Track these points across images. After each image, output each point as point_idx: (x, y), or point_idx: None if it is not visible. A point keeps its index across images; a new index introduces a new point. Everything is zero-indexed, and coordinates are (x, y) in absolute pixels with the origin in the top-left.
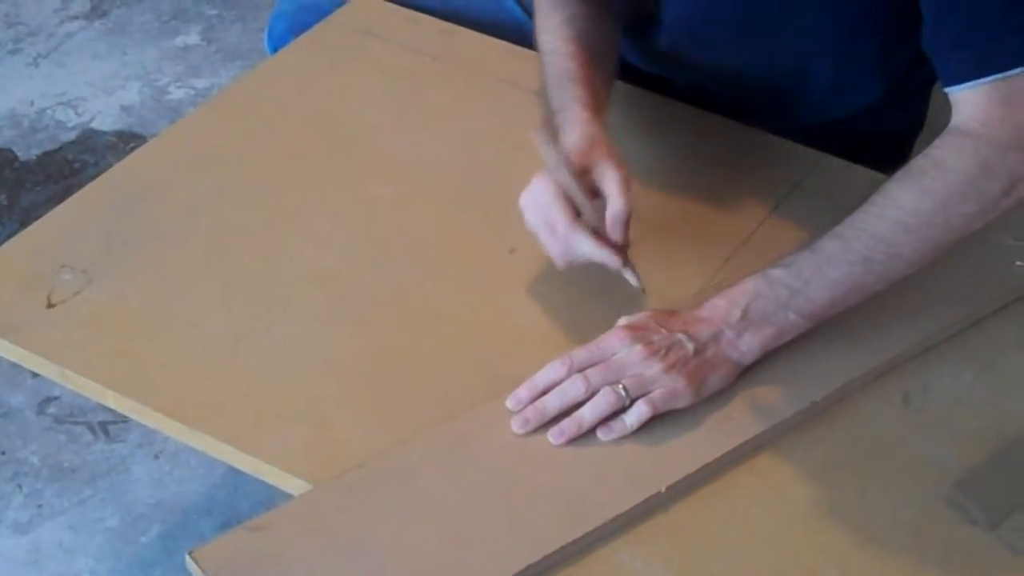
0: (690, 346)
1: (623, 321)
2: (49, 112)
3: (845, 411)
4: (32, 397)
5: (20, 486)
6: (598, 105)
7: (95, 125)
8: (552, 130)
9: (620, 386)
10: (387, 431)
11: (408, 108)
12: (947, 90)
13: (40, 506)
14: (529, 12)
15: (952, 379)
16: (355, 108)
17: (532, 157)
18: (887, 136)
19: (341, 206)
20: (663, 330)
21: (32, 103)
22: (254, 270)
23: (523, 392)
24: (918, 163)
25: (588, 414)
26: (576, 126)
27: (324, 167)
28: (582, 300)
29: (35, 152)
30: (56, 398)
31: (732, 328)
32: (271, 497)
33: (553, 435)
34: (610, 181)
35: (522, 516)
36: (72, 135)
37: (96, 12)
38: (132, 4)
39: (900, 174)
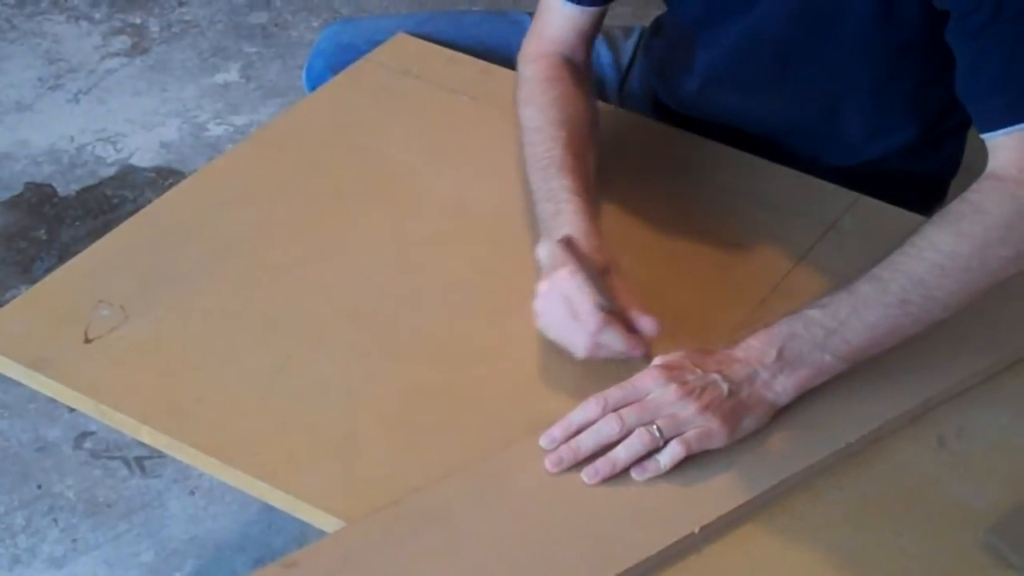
0: (725, 387)
1: (658, 360)
2: (89, 148)
3: (880, 453)
4: (68, 431)
5: (56, 520)
6: (588, 192)
7: (134, 161)
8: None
9: (654, 426)
10: (421, 469)
11: (445, 147)
12: (983, 136)
13: (75, 540)
14: None
15: (988, 422)
16: (392, 146)
17: None
18: (922, 178)
19: (377, 244)
20: (698, 370)
21: (72, 139)
22: (290, 307)
23: (557, 431)
24: (956, 207)
25: (622, 454)
26: (570, 221)
27: (361, 205)
28: None
29: (74, 187)
30: (92, 433)
31: (767, 369)
32: (305, 534)
33: (587, 474)
34: (624, 292)
35: (555, 556)
36: (111, 171)
37: (137, 49)
38: (172, 41)
39: (937, 217)
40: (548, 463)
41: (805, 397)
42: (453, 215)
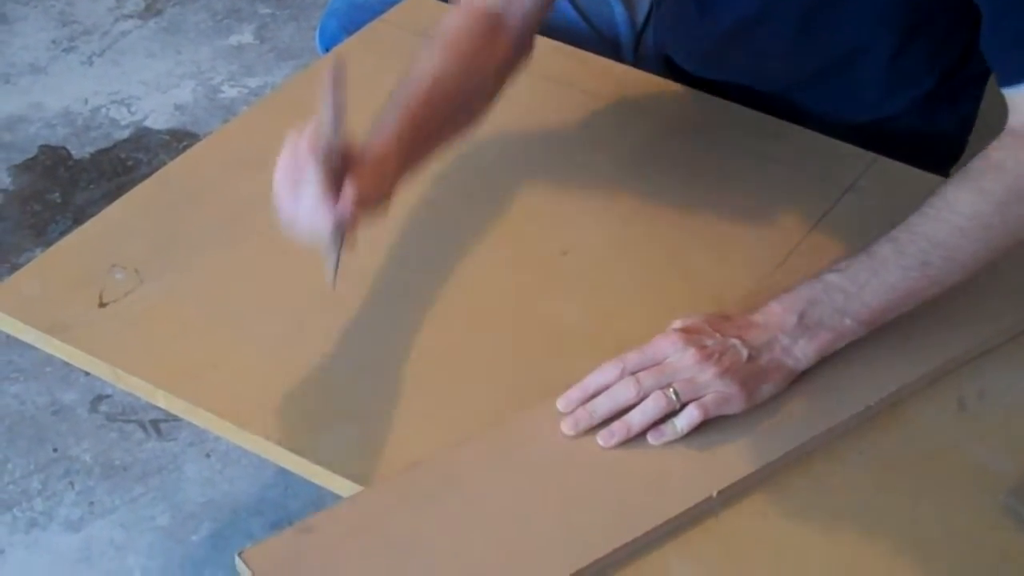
0: (744, 352)
1: (677, 324)
2: (103, 110)
3: (899, 416)
4: (85, 395)
5: (72, 484)
6: (408, 141)
7: (148, 124)
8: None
9: (671, 390)
10: (436, 432)
11: None
12: (1004, 91)
13: (92, 504)
14: (583, 14)
15: (1008, 384)
16: None
17: (585, 159)
18: (940, 136)
19: (392, 206)
20: (717, 334)
21: (86, 101)
22: (304, 270)
23: (574, 394)
24: (975, 164)
25: (637, 418)
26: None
27: None
28: (633, 303)
29: (89, 150)
30: (108, 396)
31: (787, 334)
32: (321, 497)
33: (602, 437)
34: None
35: (572, 520)
36: (126, 133)
37: (150, 11)
38: (186, 3)
39: (957, 177)
40: (564, 426)
41: (824, 360)
42: (467, 177)
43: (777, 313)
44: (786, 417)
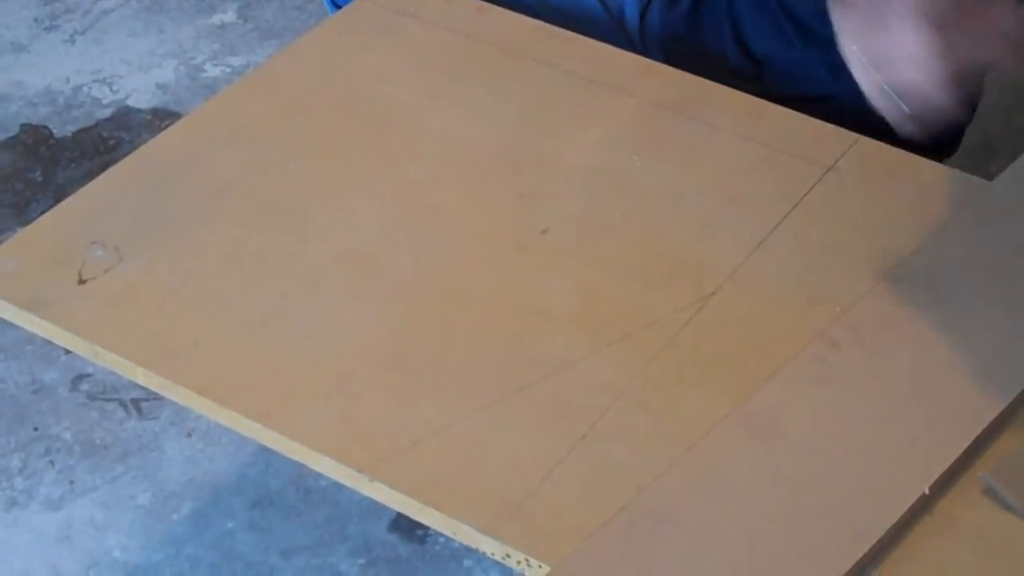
0: None
1: None
2: (85, 89)
3: None
4: (65, 374)
5: (52, 462)
6: None
7: (131, 103)
8: None
9: None
10: (416, 411)
11: (441, 87)
12: None
13: (72, 483)
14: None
15: None
16: (388, 87)
17: (565, 138)
18: None
19: (373, 185)
20: None
21: (68, 80)
22: (285, 248)
23: None
24: None
25: None
26: None
27: (357, 146)
28: (614, 280)
29: (70, 129)
30: (89, 375)
31: None
32: (302, 476)
33: None
34: None
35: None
36: (108, 112)
37: None
38: None
39: None
40: None
41: None
42: (450, 156)
43: None
44: None
